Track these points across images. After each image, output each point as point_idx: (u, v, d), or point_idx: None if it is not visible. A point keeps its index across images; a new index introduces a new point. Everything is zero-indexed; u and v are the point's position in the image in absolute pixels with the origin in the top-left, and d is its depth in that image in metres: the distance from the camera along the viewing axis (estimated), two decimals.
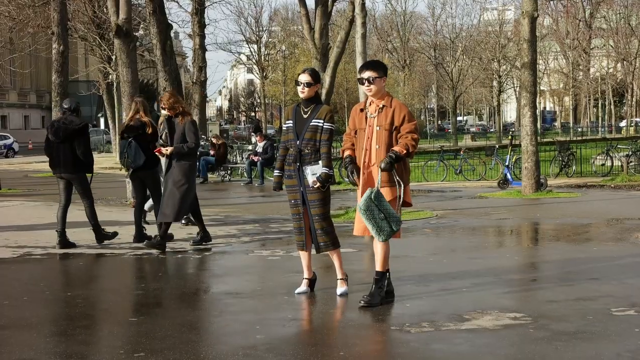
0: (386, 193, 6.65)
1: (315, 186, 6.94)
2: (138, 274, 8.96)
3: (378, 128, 6.69)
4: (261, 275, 8.58)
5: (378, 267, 6.78)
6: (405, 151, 6.59)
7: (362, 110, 6.85)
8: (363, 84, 6.86)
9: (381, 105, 6.75)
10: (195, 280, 8.58)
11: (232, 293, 7.63)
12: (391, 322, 6.15)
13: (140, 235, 10.72)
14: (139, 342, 5.65)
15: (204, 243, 10.47)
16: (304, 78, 7.07)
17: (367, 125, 6.75)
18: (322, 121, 6.97)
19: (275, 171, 7.33)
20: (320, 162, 6.95)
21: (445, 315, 6.27)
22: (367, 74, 6.78)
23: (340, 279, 7.19)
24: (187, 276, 8.84)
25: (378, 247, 6.76)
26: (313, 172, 6.93)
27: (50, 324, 6.38)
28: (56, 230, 10.51)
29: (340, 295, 7.08)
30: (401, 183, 6.65)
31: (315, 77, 7.17)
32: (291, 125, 7.10)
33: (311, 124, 6.98)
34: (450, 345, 5.48)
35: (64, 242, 10.38)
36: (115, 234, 10.80)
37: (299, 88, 7.08)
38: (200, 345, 5.60)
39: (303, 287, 7.22)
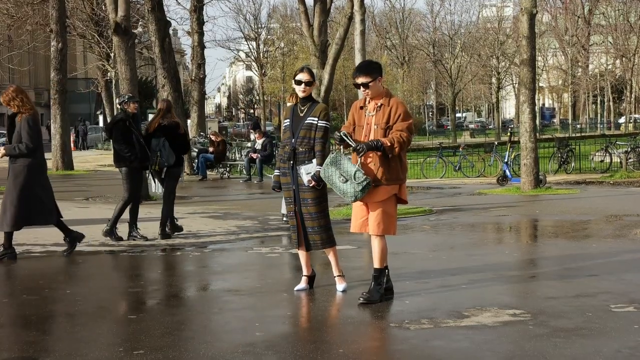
0: (382, 191, 6.61)
1: (311, 185, 6.91)
2: (137, 272, 8.95)
3: (375, 127, 6.65)
4: (260, 272, 8.58)
5: (376, 264, 6.78)
6: (389, 144, 6.48)
7: (361, 107, 6.83)
8: (359, 88, 6.82)
9: (379, 104, 6.72)
10: (195, 278, 8.58)
11: (231, 290, 7.63)
12: (390, 319, 6.15)
13: (173, 227, 10.95)
14: (138, 340, 5.65)
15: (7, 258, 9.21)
16: (305, 77, 7.05)
17: (365, 122, 6.73)
18: (316, 119, 6.96)
19: (275, 170, 7.34)
20: (314, 160, 6.92)
21: (444, 312, 6.28)
22: (361, 80, 6.73)
23: (338, 276, 7.20)
24: (186, 274, 8.84)
25: (375, 244, 6.76)
26: (307, 171, 6.89)
27: (49, 321, 6.38)
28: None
29: (342, 291, 7.09)
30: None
31: (313, 76, 7.19)
32: (288, 124, 7.12)
33: (306, 121, 6.98)
34: (450, 342, 5.48)
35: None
36: (120, 238, 10.70)
37: (300, 87, 7.05)
38: (199, 343, 5.60)
39: (302, 284, 7.22)
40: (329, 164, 6.63)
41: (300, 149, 6.96)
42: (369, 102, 6.79)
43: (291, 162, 7.00)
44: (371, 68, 6.86)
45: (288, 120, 7.15)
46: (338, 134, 6.66)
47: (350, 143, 6.60)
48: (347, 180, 6.52)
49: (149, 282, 8.22)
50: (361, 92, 6.82)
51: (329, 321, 6.30)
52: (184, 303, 7.17)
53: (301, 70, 7.17)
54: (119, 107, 10.98)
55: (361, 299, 6.64)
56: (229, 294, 7.48)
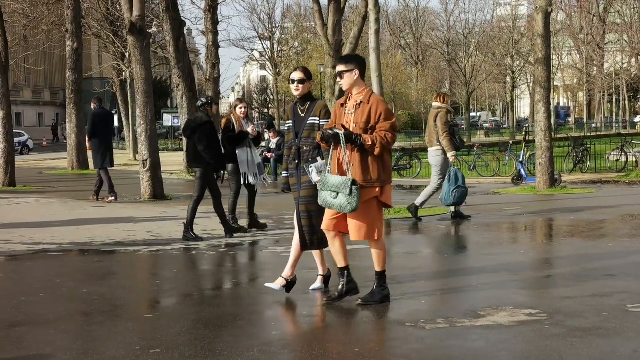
0: (363, 193, 6.35)
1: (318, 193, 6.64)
2: (153, 271, 8.99)
3: (354, 125, 6.42)
4: (275, 271, 8.55)
5: (375, 267, 6.67)
6: (370, 142, 6.28)
7: (342, 105, 6.63)
8: (337, 77, 6.69)
9: (359, 101, 6.50)
10: (210, 277, 8.60)
11: (246, 289, 7.65)
12: (406, 318, 6.14)
13: (228, 229, 10.93)
14: (155, 339, 5.67)
15: None
16: (297, 75, 7.02)
17: (344, 121, 6.50)
18: (317, 119, 6.89)
19: (283, 172, 7.27)
20: (318, 159, 6.76)
21: (460, 312, 6.27)
22: (337, 68, 6.62)
23: (320, 275, 7.17)
24: (202, 273, 8.87)
25: (372, 249, 6.63)
26: (319, 170, 6.64)
27: (66, 320, 6.41)
28: (231, 216, 11.15)
29: (312, 289, 7.05)
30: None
31: (308, 74, 7.12)
32: (291, 124, 7.09)
33: (308, 122, 6.92)
34: (466, 342, 5.48)
35: (229, 229, 10.94)
36: (200, 238, 10.68)
37: (293, 86, 7.04)
38: (215, 342, 5.62)
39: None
40: (320, 190, 6.44)
41: (305, 148, 6.91)
42: (350, 100, 6.59)
43: (296, 162, 6.98)
44: (350, 59, 6.76)
45: (290, 121, 7.11)
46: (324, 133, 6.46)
47: (335, 134, 6.37)
48: (337, 194, 6.30)
49: (165, 281, 8.25)
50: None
51: (345, 320, 6.30)
52: (199, 302, 7.19)
53: (295, 69, 7.16)
54: (200, 109, 10.94)
55: (360, 300, 6.61)
56: (244, 293, 7.50)
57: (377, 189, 6.45)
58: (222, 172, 11.08)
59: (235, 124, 11.21)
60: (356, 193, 6.23)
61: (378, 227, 6.53)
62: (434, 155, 12.44)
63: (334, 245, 6.61)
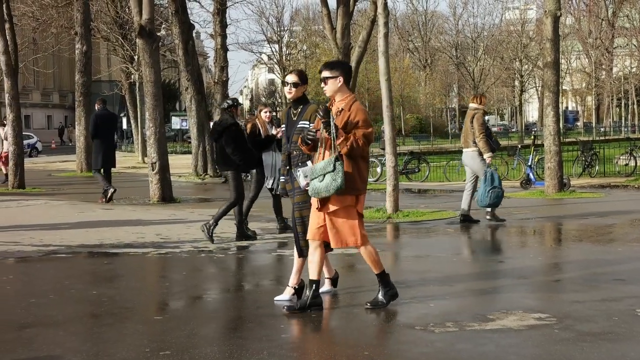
0: (333, 201, 6.31)
1: (307, 188, 6.55)
2: (162, 273, 9.01)
3: None
4: (284, 274, 8.58)
5: (374, 270, 6.62)
6: (342, 138, 6.20)
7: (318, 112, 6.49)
8: (322, 82, 6.61)
9: (340, 108, 6.44)
10: (219, 279, 8.61)
11: (255, 292, 7.66)
12: (415, 322, 6.14)
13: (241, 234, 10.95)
14: (164, 341, 5.68)
15: None
16: (291, 78, 6.99)
17: None
18: (307, 122, 6.75)
19: (281, 177, 7.26)
20: (308, 162, 6.65)
21: (469, 315, 6.26)
22: (322, 74, 6.54)
23: (327, 278, 7.12)
24: (211, 275, 8.88)
25: (363, 255, 6.57)
26: (305, 174, 6.53)
27: (76, 322, 6.43)
28: (234, 224, 10.98)
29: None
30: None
31: (303, 78, 7.07)
32: (284, 128, 7.03)
33: (298, 126, 6.82)
34: (475, 345, 5.47)
35: (243, 233, 10.89)
36: (212, 240, 10.67)
37: (286, 89, 7.02)
38: (225, 344, 5.63)
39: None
40: (308, 177, 6.34)
41: (295, 153, 6.84)
42: (332, 105, 6.52)
43: (287, 167, 6.97)
44: (335, 65, 6.65)
45: (284, 125, 7.06)
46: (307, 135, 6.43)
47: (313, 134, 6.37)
48: (323, 176, 6.24)
49: (174, 283, 8.26)
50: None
51: (354, 323, 6.29)
52: (208, 304, 7.21)
53: (290, 72, 7.12)
54: (225, 111, 10.97)
55: (368, 304, 6.60)
56: (253, 295, 7.51)
57: (352, 198, 6.39)
58: (248, 173, 11.15)
59: (260, 128, 11.28)
60: (340, 169, 6.19)
61: (358, 234, 6.43)
62: (470, 157, 12.41)
63: (314, 255, 6.52)
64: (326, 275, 7.21)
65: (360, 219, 6.50)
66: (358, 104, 6.49)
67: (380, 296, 6.62)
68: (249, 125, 11.42)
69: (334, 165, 6.21)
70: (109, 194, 16.17)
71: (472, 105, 12.62)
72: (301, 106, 6.95)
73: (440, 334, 5.77)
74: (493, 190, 11.96)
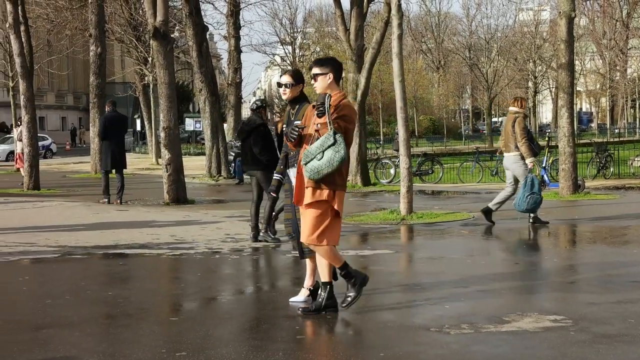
0: (309, 194, 6.19)
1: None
2: (177, 274, 9.03)
3: (318, 125, 6.27)
4: (299, 275, 8.59)
5: (323, 276, 6.42)
6: (326, 120, 6.11)
7: (314, 107, 6.46)
8: (312, 79, 6.55)
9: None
10: (233, 281, 8.62)
11: (270, 293, 7.67)
12: (430, 323, 6.13)
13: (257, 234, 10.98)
14: (180, 342, 5.70)
15: None
16: (284, 79, 6.99)
17: (312, 122, 6.36)
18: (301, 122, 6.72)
19: (275, 175, 7.20)
20: None
21: (484, 317, 6.25)
22: (312, 71, 6.47)
23: (304, 287, 6.93)
24: (226, 276, 8.89)
25: (318, 253, 6.40)
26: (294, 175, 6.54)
27: (92, 322, 6.45)
28: (249, 225, 10.99)
29: (290, 301, 6.85)
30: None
31: (297, 78, 7.06)
32: (284, 128, 7.00)
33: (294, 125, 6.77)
34: (491, 347, 5.46)
35: (256, 236, 10.87)
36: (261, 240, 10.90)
37: (281, 90, 7.04)
38: (240, 345, 5.64)
39: (300, 296, 6.87)
40: (304, 165, 6.18)
41: (291, 153, 6.83)
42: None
43: (282, 167, 6.95)
44: (326, 62, 6.54)
45: (285, 125, 7.05)
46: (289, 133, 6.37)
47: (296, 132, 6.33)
48: (322, 153, 6.10)
49: (189, 284, 8.28)
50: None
51: (369, 325, 6.30)
52: (224, 305, 7.22)
53: (284, 72, 7.11)
54: (254, 112, 11.03)
55: (300, 309, 6.49)
56: (268, 296, 7.52)
57: (330, 192, 6.20)
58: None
59: None
60: (341, 140, 6.08)
61: (329, 235, 6.25)
62: (511, 161, 12.36)
63: (321, 258, 6.42)
64: (305, 284, 6.94)
65: (337, 218, 6.31)
66: (347, 101, 6.42)
67: (318, 302, 6.47)
68: (279, 125, 11.44)
69: (334, 138, 6.08)
70: (117, 199, 16.41)
71: (512, 108, 12.53)
72: (297, 105, 6.97)
73: (456, 335, 5.76)
74: (532, 196, 11.92)
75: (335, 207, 6.25)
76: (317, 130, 6.27)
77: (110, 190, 16.71)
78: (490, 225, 12.21)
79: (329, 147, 6.09)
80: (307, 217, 6.28)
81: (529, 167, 12.15)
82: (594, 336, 5.67)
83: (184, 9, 25.68)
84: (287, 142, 6.51)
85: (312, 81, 6.50)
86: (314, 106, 6.42)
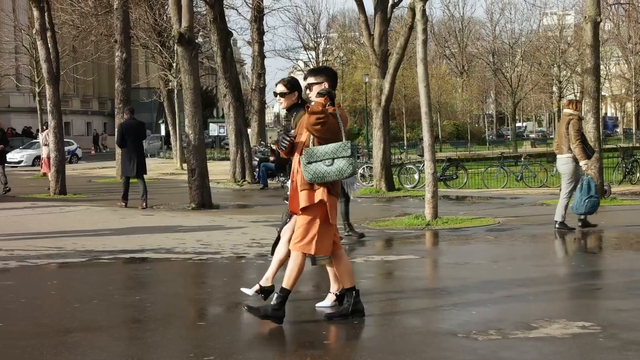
0: (303, 197, 6.12)
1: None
2: (203, 279, 9.07)
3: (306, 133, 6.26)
4: (322, 281, 8.59)
5: (286, 283, 6.33)
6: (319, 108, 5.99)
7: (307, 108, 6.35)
8: (307, 89, 6.54)
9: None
10: None
11: (296, 298, 7.67)
12: (458, 329, 6.12)
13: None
14: (208, 346, 5.73)
15: None
16: (278, 89, 6.98)
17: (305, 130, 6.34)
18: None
19: (281, 177, 7.19)
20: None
21: (512, 323, 6.23)
22: (307, 80, 6.45)
23: (331, 293, 6.94)
24: (251, 281, 8.88)
25: (291, 257, 6.35)
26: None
27: (120, 327, 6.50)
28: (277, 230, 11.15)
29: (317, 307, 6.88)
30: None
31: (291, 86, 7.00)
32: None
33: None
34: (519, 354, 5.44)
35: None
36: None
37: (276, 99, 7.04)
38: (267, 349, 5.66)
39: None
40: (305, 165, 6.09)
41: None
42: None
43: (281, 174, 6.92)
44: (320, 71, 6.55)
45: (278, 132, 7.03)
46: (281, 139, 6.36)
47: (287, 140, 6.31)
48: (332, 160, 6.06)
49: (216, 289, 8.32)
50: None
51: (396, 330, 6.29)
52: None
53: (279, 82, 7.06)
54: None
55: (245, 306, 6.44)
56: (294, 302, 7.52)
57: (324, 191, 6.14)
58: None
59: None
60: (354, 154, 6.07)
61: (319, 243, 6.18)
62: (564, 163, 12.28)
63: (340, 265, 6.42)
64: (332, 289, 6.94)
65: (329, 226, 6.22)
66: (341, 110, 6.35)
67: (344, 307, 6.46)
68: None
69: (352, 150, 6.04)
70: (121, 204, 16.77)
71: (567, 111, 12.48)
72: (294, 112, 6.95)
73: (483, 341, 5.74)
74: (590, 199, 11.88)
75: (329, 212, 6.17)
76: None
77: (133, 195, 16.85)
78: (593, 225, 12.29)
79: (344, 157, 6.06)
80: (298, 222, 6.24)
81: (584, 169, 12.09)
82: (623, 343, 5.64)
83: (208, 14, 25.80)
84: (278, 149, 6.49)
85: (307, 91, 6.50)
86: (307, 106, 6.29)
